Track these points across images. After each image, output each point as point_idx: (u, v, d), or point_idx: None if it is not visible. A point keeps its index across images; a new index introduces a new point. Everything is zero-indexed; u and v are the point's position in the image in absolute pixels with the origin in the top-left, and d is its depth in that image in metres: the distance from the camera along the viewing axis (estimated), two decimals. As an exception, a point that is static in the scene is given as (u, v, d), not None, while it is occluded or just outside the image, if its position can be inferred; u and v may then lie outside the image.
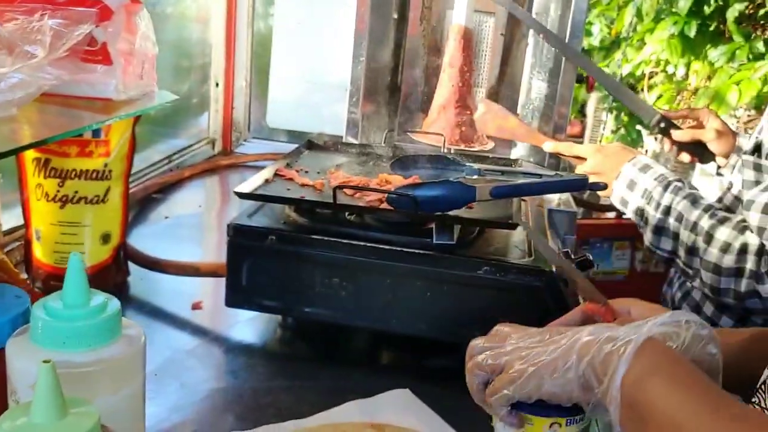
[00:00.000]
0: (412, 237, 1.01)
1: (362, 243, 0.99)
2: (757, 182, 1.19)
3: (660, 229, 1.21)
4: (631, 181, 1.25)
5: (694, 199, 1.18)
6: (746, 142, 1.46)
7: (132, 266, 1.18)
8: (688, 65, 3.69)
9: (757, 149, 1.24)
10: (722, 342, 0.62)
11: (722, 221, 1.14)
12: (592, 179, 1.29)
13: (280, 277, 1.02)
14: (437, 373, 1.02)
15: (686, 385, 0.54)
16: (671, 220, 1.19)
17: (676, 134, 1.44)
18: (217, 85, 2.00)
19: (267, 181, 1.11)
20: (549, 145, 1.40)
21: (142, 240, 1.35)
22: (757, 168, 1.20)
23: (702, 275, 1.17)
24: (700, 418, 0.52)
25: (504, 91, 1.77)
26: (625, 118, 4.52)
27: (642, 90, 4.55)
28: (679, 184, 1.22)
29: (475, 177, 1.17)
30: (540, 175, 1.15)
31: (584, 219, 2.33)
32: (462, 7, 1.54)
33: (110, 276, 1.13)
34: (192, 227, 1.47)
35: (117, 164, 1.07)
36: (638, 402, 0.55)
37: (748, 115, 3.42)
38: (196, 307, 1.10)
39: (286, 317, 1.08)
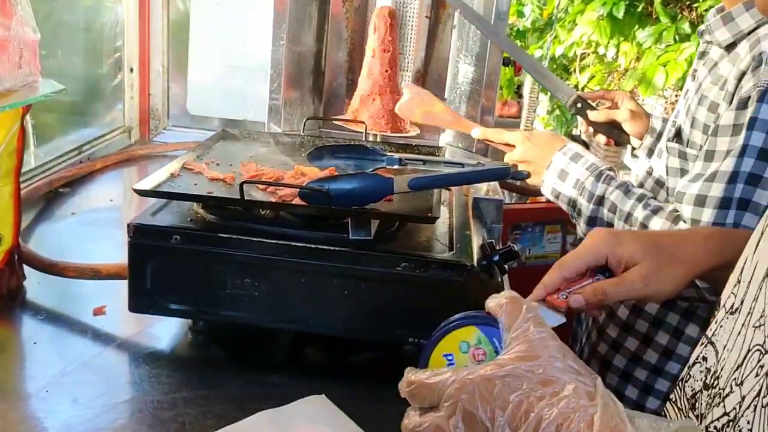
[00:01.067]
0: (327, 233, 0.96)
1: (274, 241, 0.94)
2: (683, 170, 1.18)
3: (594, 220, 1.19)
4: (562, 171, 1.23)
5: (627, 189, 1.16)
6: (659, 123, 1.47)
7: (29, 270, 1.09)
8: (617, 46, 3.72)
9: (677, 135, 1.23)
10: None
11: (656, 211, 1.13)
12: (521, 167, 1.27)
13: (188, 279, 0.96)
14: (356, 374, 0.97)
15: None
16: (605, 211, 1.17)
17: (591, 115, 1.46)
18: (131, 70, 1.89)
19: (173, 175, 1.04)
20: (477, 132, 1.36)
21: (45, 239, 1.26)
22: (682, 156, 1.19)
23: None
24: None
25: (431, 75, 1.72)
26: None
27: (574, 71, 4.59)
28: (611, 173, 1.20)
29: (396, 167, 1.12)
30: (462, 164, 1.11)
31: (517, 204, 2.32)
32: (385, -12, 1.48)
33: (3, 281, 1.04)
34: (102, 224, 1.38)
35: (4, 161, 0.98)
36: None
37: (676, 95, 3.47)
38: (97, 312, 1.03)
39: (196, 321, 1.01)
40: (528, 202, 2.51)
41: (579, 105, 1.45)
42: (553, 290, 0.77)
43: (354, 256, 0.93)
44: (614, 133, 1.48)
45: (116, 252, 1.32)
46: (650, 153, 1.48)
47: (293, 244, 0.93)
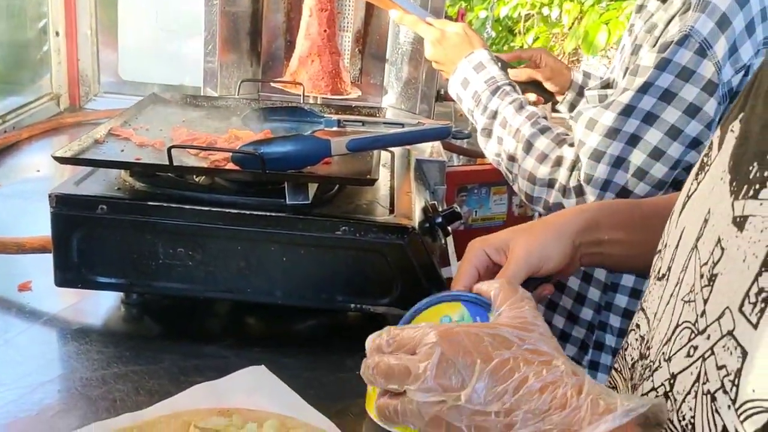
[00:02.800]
0: (263, 198, 0.92)
1: (208, 208, 0.90)
2: None
3: (488, 132, 1.20)
4: (465, 80, 1.25)
5: (520, 105, 1.18)
6: (580, 77, 1.48)
7: (-53, 246, 1.02)
8: (560, 6, 3.72)
9: (606, 86, 1.24)
10: None
11: (543, 131, 1.14)
12: (434, 66, 1.34)
13: (118, 250, 0.91)
14: (297, 343, 0.95)
15: None
16: (497, 125, 1.19)
17: (511, 73, 1.47)
18: (57, 34, 1.79)
19: (97, 141, 0.99)
20: (395, 14, 1.36)
21: (-35, 213, 1.19)
22: (602, 99, 1.19)
23: (519, 182, 1.17)
24: None
25: (371, 35, 1.68)
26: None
27: (519, 32, 4.59)
28: (508, 88, 1.21)
29: (335, 129, 1.09)
30: (403, 125, 1.08)
31: (462, 166, 2.30)
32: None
33: None
34: (28, 196, 1.31)
35: None
36: None
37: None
38: (23, 288, 0.98)
39: (128, 294, 0.97)
40: (475, 163, 2.50)
41: (499, 64, 1.45)
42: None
43: (291, 221, 0.90)
44: (538, 91, 1.50)
45: (45, 226, 1.26)
46: (571, 108, 1.50)
47: (227, 210, 0.90)
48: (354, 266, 0.92)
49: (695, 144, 1.05)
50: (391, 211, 0.95)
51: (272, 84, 1.54)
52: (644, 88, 1.03)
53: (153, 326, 0.97)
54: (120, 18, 1.86)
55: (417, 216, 0.97)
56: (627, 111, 1.05)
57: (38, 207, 1.29)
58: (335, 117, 1.09)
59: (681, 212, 0.58)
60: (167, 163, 0.88)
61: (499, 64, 1.43)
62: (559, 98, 1.51)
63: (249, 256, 0.91)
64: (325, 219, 0.90)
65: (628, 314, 1.23)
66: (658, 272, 0.60)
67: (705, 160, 0.57)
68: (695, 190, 0.57)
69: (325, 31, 1.49)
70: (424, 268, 0.93)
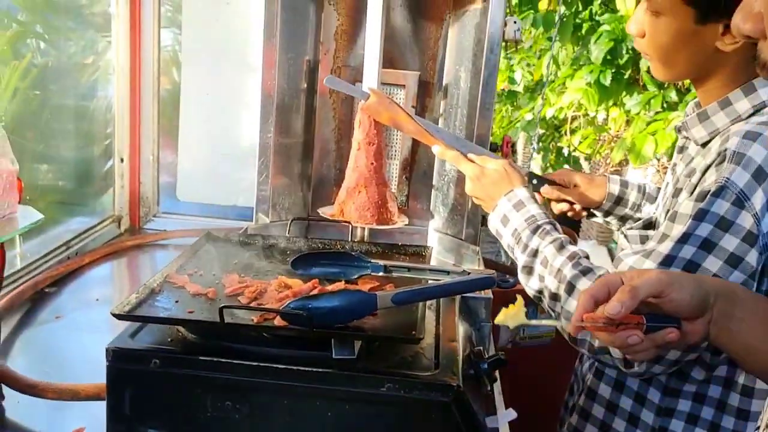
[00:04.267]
0: (309, 351, 0.94)
1: (255, 363, 0.92)
2: None
3: (528, 269, 1.19)
4: (505, 217, 1.26)
5: (561, 245, 1.17)
6: (616, 188, 1.49)
7: (7, 390, 1.07)
8: (607, 111, 3.76)
9: (648, 226, 1.24)
10: None
11: (585, 272, 1.12)
12: (474, 201, 1.36)
13: (168, 403, 0.94)
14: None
15: None
16: (538, 263, 1.18)
17: (544, 191, 1.49)
18: (122, 160, 1.90)
19: (153, 291, 1.03)
20: (437, 149, 1.38)
21: (28, 349, 1.24)
22: (643, 240, 1.19)
23: (563, 322, 1.15)
24: None
25: (418, 163, 1.73)
26: (552, 158, 4.60)
27: (565, 133, 4.64)
28: (548, 227, 1.21)
29: (381, 274, 1.11)
30: (448, 272, 1.09)
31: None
32: (371, 80, 1.49)
33: (-19, 403, 1.02)
34: (86, 329, 1.35)
35: (-18, 283, 0.97)
36: None
37: (668, 161, 3.50)
38: (76, 435, 1.00)
39: (176, 444, 0.98)
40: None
41: (534, 181, 1.48)
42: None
43: (337, 376, 0.91)
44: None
45: (96, 364, 1.30)
46: (606, 214, 1.50)
47: (275, 366, 0.91)
48: (399, 422, 0.92)
49: None
50: (436, 365, 0.95)
51: (320, 212, 1.58)
52: (684, 238, 1.03)
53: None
54: (180, 143, 1.96)
55: (461, 368, 0.97)
56: (667, 261, 1.04)
57: (94, 340, 1.34)
58: (381, 263, 1.11)
59: None
60: (218, 319, 0.91)
61: (536, 180, 1.47)
62: (597, 211, 1.52)
63: (294, 410, 0.92)
64: (371, 375, 0.91)
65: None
66: None
67: None
68: None
69: (372, 163, 1.54)
70: (469, 425, 0.92)
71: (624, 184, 1.52)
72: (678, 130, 1.23)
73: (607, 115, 3.79)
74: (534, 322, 0.92)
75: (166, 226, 1.95)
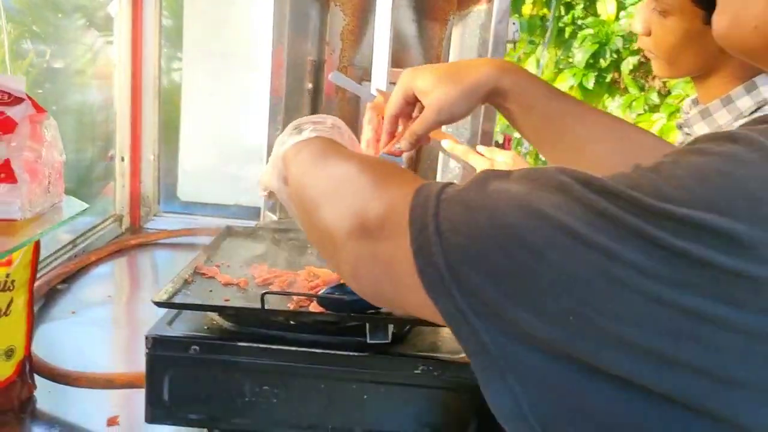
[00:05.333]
0: (344, 337, 0.97)
1: (293, 348, 0.94)
2: None
3: None
4: None
5: None
6: None
7: (39, 378, 1.08)
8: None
9: None
10: None
11: None
12: None
13: (206, 388, 0.96)
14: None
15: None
16: None
17: None
18: (123, 159, 1.91)
19: (186, 282, 1.05)
20: (447, 144, 1.41)
21: (48, 343, 1.24)
22: None
23: None
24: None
25: (423, 160, 1.76)
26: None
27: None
28: None
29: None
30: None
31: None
32: (380, 80, 1.52)
33: (14, 393, 1.03)
34: (102, 323, 1.37)
35: (20, 272, 0.98)
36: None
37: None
38: (112, 422, 1.02)
39: (212, 430, 1.00)
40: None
41: None
42: (393, 131, 0.99)
43: (372, 360, 0.94)
44: None
45: (121, 355, 1.32)
46: None
47: (312, 350, 0.94)
48: (431, 403, 0.95)
49: None
50: (466, 349, 0.99)
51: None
52: None
53: (235, 462, 1.00)
54: (181, 143, 1.97)
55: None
56: None
57: (113, 334, 1.36)
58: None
59: None
60: (256, 305, 0.94)
61: None
62: None
63: (331, 393, 0.95)
64: (404, 358, 0.94)
65: None
66: None
67: None
68: None
69: (380, 159, 1.58)
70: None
71: None
72: (679, 126, 1.28)
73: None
74: None
75: (167, 226, 1.96)
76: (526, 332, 0.43)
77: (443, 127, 1.46)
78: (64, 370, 1.07)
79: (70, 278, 1.54)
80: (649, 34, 1.21)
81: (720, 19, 0.53)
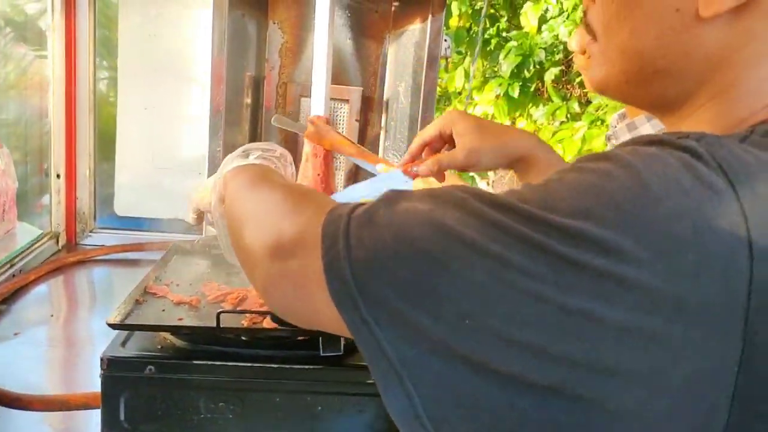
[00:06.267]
0: (299, 351, 1.00)
1: (248, 364, 0.97)
2: None
3: None
4: None
5: None
6: None
7: (-13, 404, 1.07)
8: (515, 122, 3.99)
9: None
10: None
11: None
12: None
13: (162, 407, 0.97)
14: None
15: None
16: None
17: None
18: (58, 176, 1.88)
19: (137, 302, 1.06)
20: (381, 167, 1.47)
21: (-9, 366, 1.23)
22: None
23: None
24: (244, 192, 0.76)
25: (362, 176, 1.81)
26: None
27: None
28: None
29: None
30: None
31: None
32: (319, 98, 1.56)
33: (-39, 420, 1.02)
34: (46, 343, 1.35)
35: (-34, 299, 0.97)
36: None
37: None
38: (66, 446, 1.02)
39: (169, 447, 1.02)
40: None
41: None
42: (416, 155, 1.03)
43: (326, 372, 0.98)
44: None
45: (68, 374, 1.31)
46: None
47: (267, 365, 0.97)
48: (385, 412, 1.00)
49: None
50: (414, 358, 1.04)
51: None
52: None
53: (192, 477, 1.02)
54: (117, 158, 1.96)
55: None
56: None
57: (58, 355, 1.35)
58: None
59: None
60: (211, 324, 0.96)
61: None
62: None
63: (286, 407, 0.98)
64: (357, 368, 0.99)
65: None
66: None
67: None
68: None
69: (318, 174, 1.61)
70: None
71: None
72: (608, 138, 1.37)
73: (515, 126, 4.03)
74: None
75: (104, 242, 1.94)
76: (426, 337, 0.47)
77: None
78: (15, 393, 1.06)
79: (9, 298, 1.51)
80: (583, 52, 1.30)
81: (594, 72, 0.62)
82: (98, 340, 1.39)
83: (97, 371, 0.95)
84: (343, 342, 1.01)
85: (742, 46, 0.55)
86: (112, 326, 0.96)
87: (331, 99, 1.71)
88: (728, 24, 0.54)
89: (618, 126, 1.33)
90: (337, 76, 1.74)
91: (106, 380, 0.96)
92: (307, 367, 0.98)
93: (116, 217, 2.01)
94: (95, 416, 0.98)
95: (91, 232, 1.98)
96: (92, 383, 0.97)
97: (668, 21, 0.56)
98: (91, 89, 1.91)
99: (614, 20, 0.59)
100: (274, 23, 1.72)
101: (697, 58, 0.56)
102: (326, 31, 1.53)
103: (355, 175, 1.81)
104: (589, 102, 3.49)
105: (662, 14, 0.56)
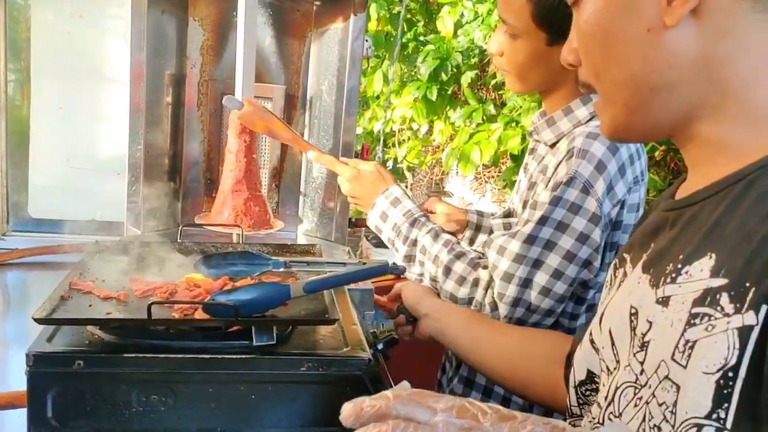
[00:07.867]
0: (231, 341, 1.01)
1: (180, 355, 0.97)
2: None
3: (409, 258, 1.36)
4: (384, 213, 1.40)
5: (436, 234, 1.35)
6: (474, 217, 1.68)
7: None
8: (431, 123, 4.07)
9: (507, 215, 1.44)
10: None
11: (459, 256, 1.31)
12: (349, 200, 1.50)
13: (91, 402, 0.96)
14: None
15: None
16: (417, 251, 1.35)
17: None
18: (-33, 177, 1.80)
19: (63, 298, 1.04)
20: (312, 155, 1.49)
21: None
22: (507, 228, 1.39)
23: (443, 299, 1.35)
24: None
25: (286, 171, 1.82)
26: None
27: (394, 145, 4.92)
28: (423, 219, 1.39)
29: (282, 269, 1.20)
30: (344, 263, 1.21)
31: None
32: (246, 93, 1.56)
33: None
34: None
35: None
36: None
37: (488, 171, 3.87)
38: (-12, 448, 0.99)
39: (100, 443, 1.00)
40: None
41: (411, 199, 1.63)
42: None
43: (259, 361, 0.99)
44: None
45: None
46: (470, 242, 1.68)
47: (200, 356, 0.97)
48: (316, 398, 1.01)
49: (587, 264, 1.25)
50: (346, 344, 1.06)
51: (204, 225, 1.62)
52: (542, 221, 1.23)
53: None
54: (31, 159, 1.89)
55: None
56: (530, 240, 1.24)
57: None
58: (282, 259, 1.20)
59: (600, 321, 0.76)
60: (140, 316, 0.95)
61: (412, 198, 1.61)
62: (459, 236, 1.67)
63: (220, 397, 0.99)
64: (291, 357, 1.00)
65: None
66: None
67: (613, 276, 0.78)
68: (611, 299, 0.76)
69: (247, 171, 1.61)
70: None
71: (480, 213, 1.71)
72: (529, 134, 1.44)
73: (432, 128, 4.11)
74: None
75: (17, 245, 1.86)
76: None
77: (307, 140, 1.53)
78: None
79: None
80: (501, 54, 1.36)
81: (602, 120, 0.72)
82: (14, 344, 1.35)
83: (14, 374, 0.92)
84: (275, 331, 1.03)
85: (715, 42, 0.63)
86: (39, 321, 0.94)
87: (255, 97, 1.71)
88: (696, 26, 0.63)
89: (539, 122, 1.40)
90: (260, 75, 1.75)
91: (33, 376, 0.93)
92: (239, 356, 0.98)
93: (31, 220, 1.94)
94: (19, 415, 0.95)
95: (3, 235, 1.90)
96: (9, 386, 0.94)
97: (645, 42, 0.64)
98: (3, 89, 1.84)
99: (600, 62, 0.68)
100: (195, 20, 1.71)
101: (684, 64, 0.64)
102: (249, 29, 1.54)
103: (280, 171, 1.82)
104: (504, 104, 3.61)
105: (638, 39, 0.65)
